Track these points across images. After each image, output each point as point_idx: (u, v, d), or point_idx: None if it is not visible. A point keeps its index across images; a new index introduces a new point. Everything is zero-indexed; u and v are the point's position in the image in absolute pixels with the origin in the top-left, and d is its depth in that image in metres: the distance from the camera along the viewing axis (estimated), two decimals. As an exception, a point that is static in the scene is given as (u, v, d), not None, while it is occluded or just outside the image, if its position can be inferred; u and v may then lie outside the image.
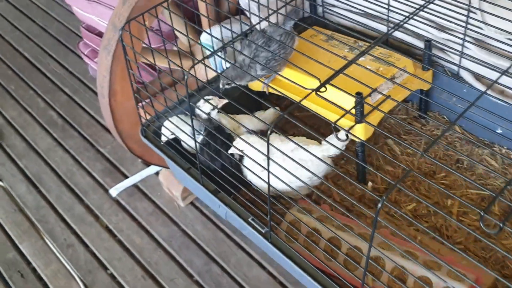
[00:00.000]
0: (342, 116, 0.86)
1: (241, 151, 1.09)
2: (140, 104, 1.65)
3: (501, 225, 0.66)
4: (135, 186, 2.04)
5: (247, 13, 1.44)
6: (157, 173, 2.05)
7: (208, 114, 1.18)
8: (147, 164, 1.93)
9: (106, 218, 1.93)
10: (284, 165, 0.88)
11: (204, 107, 1.19)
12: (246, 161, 1.11)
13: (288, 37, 1.20)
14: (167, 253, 1.81)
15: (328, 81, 0.87)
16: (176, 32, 1.60)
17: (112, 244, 1.85)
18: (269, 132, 0.83)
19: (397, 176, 1.27)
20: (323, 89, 0.86)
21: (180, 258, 1.79)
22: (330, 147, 1.06)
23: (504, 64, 1.11)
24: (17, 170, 2.13)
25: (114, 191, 2.01)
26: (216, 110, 1.19)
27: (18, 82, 2.55)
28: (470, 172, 1.26)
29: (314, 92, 0.86)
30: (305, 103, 0.90)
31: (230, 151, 1.11)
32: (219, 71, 1.39)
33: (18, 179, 2.10)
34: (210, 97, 1.21)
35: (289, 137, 0.96)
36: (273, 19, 1.34)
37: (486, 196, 1.23)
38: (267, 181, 0.90)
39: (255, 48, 1.16)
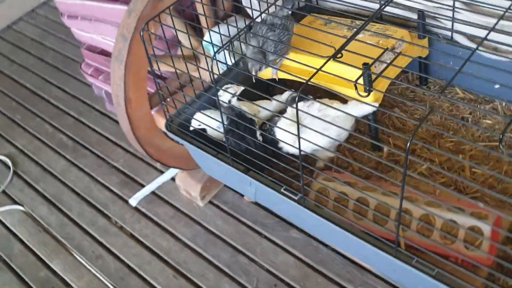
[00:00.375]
0: (358, 78, 0.94)
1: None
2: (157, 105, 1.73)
3: (500, 137, 0.74)
4: (153, 193, 2.11)
5: (248, 10, 1.53)
6: (172, 179, 2.12)
7: (229, 102, 1.26)
8: (165, 166, 2.00)
9: (130, 226, 2.00)
10: (313, 125, 0.97)
11: (223, 96, 1.27)
12: (278, 133, 1.18)
13: (287, 22, 1.29)
14: (194, 252, 1.88)
15: (343, 47, 0.96)
16: (180, 37, 1.69)
17: (140, 250, 1.91)
18: (297, 97, 0.91)
19: (405, 140, 1.36)
20: (339, 55, 0.95)
21: (207, 254, 1.86)
22: (354, 106, 1.15)
23: (493, 22, 1.20)
24: (35, 193, 2.19)
25: (133, 201, 2.08)
26: (236, 98, 1.27)
27: (23, 112, 2.62)
28: (476, 127, 1.35)
29: (324, 69, 0.94)
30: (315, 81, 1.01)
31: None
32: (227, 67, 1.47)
33: (38, 202, 2.15)
34: (228, 85, 1.29)
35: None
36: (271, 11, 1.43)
37: (494, 147, 1.32)
38: (298, 147, 0.99)
39: (261, 37, 1.25)
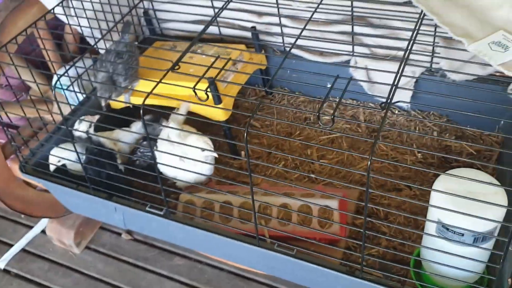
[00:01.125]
0: (195, 84, 1.00)
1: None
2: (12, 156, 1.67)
3: (332, 117, 0.86)
4: (24, 250, 1.99)
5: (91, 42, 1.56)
6: (43, 231, 2.03)
7: (87, 132, 1.27)
8: (31, 217, 1.91)
9: (1, 292, 1.86)
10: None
11: (81, 127, 1.28)
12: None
13: (132, 48, 1.35)
14: (77, 300, 1.81)
15: (179, 59, 1.04)
16: (28, 82, 1.66)
17: (16, 312, 1.79)
18: (141, 110, 0.96)
19: (264, 145, 1.47)
20: (176, 67, 1.03)
21: (91, 300, 1.80)
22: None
23: (312, 28, 1.38)
24: None
25: (1, 263, 1.94)
26: (93, 127, 1.29)
27: None
28: (317, 124, 1.51)
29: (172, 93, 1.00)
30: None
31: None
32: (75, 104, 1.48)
33: None
34: (83, 117, 1.31)
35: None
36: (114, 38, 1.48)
37: (335, 138, 1.48)
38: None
39: (111, 65, 1.29)
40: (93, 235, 2.01)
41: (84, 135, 1.28)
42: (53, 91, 1.04)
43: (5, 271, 1.92)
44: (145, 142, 1.31)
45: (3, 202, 1.64)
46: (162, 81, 1.01)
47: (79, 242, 1.95)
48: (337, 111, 1.36)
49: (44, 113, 1.67)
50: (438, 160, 1.37)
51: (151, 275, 1.86)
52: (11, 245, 2.00)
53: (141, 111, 0.96)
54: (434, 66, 1.36)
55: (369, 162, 0.81)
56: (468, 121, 1.42)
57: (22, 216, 2.02)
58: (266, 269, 1.21)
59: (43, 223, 2.05)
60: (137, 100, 1.40)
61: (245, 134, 0.88)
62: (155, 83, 1.00)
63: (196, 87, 0.97)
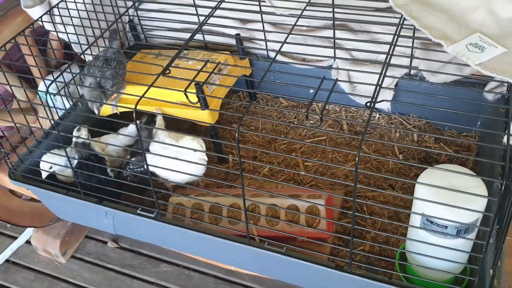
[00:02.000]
0: (186, 88, 1.03)
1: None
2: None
3: (320, 116, 0.90)
4: (8, 261, 1.97)
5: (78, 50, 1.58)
6: (27, 242, 2.02)
7: (88, 138, 1.30)
8: (16, 226, 1.90)
9: (-15, 303, 1.85)
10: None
11: (82, 133, 1.30)
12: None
13: (120, 56, 1.37)
14: (63, 310, 1.80)
15: (169, 64, 1.06)
16: (14, 91, 1.67)
17: (1, 323, 1.78)
18: (134, 113, 0.98)
19: (248, 150, 1.50)
20: (167, 71, 1.05)
21: (78, 308, 1.80)
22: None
23: (297, 35, 1.42)
24: None
25: (-14, 275, 1.92)
26: (86, 134, 1.31)
27: None
28: (301, 128, 1.54)
29: (162, 97, 1.03)
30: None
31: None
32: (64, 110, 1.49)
33: None
34: (78, 127, 1.33)
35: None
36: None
37: (320, 141, 1.52)
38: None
39: (99, 71, 1.31)
40: (78, 244, 2.00)
41: (80, 141, 1.30)
42: (46, 97, 1.05)
43: (-11, 282, 1.91)
44: (133, 159, 1.33)
45: (-12, 212, 1.63)
46: (154, 85, 1.03)
47: (65, 251, 1.95)
48: (314, 115, 1.40)
49: (31, 120, 1.67)
50: (419, 161, 1.42)
51: (138, 283, 1.87)
52: (-5, 256, 1.99)
53: (134, 114, 0.98)
54: (413, 69, 1.41)
55: (357, 158, 0.84)
56: (446, 123, 1.48)
57: (8, 225, 2.01)
58: (257, 269, 1.23)
59: (27, 233, 2.04)
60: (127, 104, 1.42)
61: (237, 134, 0.91)
62: (143, 88, 1.02)
63: (186, 91, 1.00)
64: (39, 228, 1.90)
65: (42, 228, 1.91)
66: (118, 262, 1.93)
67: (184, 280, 1.85)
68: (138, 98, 1.00)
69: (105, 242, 2.01)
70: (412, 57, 1.32)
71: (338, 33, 1.43)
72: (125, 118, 1.35)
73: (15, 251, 2.00)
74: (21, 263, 1.97)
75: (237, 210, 1.24)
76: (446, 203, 0.87)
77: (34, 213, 1.81)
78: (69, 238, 1.95)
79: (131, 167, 1.34)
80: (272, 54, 1.57)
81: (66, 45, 1.67)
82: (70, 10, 1.42)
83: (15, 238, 2.04)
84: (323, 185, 1.38)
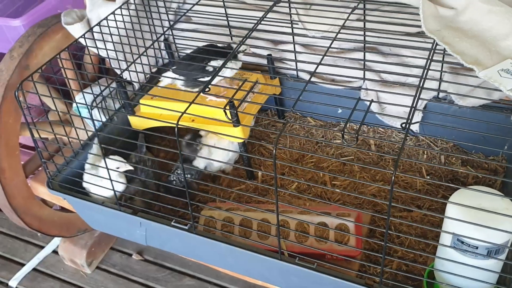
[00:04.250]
0: (225, 105, 1.08)
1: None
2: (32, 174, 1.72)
3: (356, 136, 0.94)
4: (35, 270, 2.02)
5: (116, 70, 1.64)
6: (54, 251, 2.06)
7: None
8: (46, 235, 1.95)
9: (13, 310, 1.88)
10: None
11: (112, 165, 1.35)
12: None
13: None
14: (88, 319, 1.83)
15: (209, 82, 1.11)
16: (49, 103, 1.73)
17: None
18: (176, 128, 1.03)
19: (277, 166, 1.54)
20: (207, 89, 1.10)
21: (102, 319, 1.82)
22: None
23: (327, 57, 1.45)
24: None
25: (14, 282, 1.97)
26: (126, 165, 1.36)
27: None
28: (329, 147, 1.58)
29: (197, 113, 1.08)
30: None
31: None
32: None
33: None
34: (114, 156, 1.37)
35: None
36: (139, 67, 1.56)
37: (346, 161, 1.55)
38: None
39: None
40: (104, 256, 2.04)
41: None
42: (89, 109, 1.10)
43: (17, 290, 1.95)
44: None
45: (21, 220, 1.68)
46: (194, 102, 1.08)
47: (91, 262, 1.99)
48: (349, 135, 1.43)
49: (68, 131, 1.73)
50: (446, 183, 1.44)
51: (161, 295, 1.90)
52: (23, 265, 2.03)
53: (176, 130, 1.02)
54: (441, 93, 1.44)
55: (393, 177, 0.87)
56: (473, 147, 1.50)
57: (39, 234, 2.06)
58: (285, 284, 1.25)
59: (54, 243, 2.08)
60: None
61: (274, 150, 0.95)
62: (183, 104, 1.06)
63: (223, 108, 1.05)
64: (67, 238, 1.95)
65: (70, 238, 1.95)
66: (142, 275, 1.96)
67: (206, 294, 1.88)
68: (180, 114, 1.04)
69: (130, 254, 2.05)
70: (441, 80, 1.35)
71: (368, 56, 1.47)
72: (164, 133, 1.40)
73: (42, 260, 2.04)
74: (47, 272, 2.01)
75: (268, 224, 1.27)
76: (477, 223, 0.90)
77: (63, 223, 1.85)
78: (95, 249, 1.99)
79: (179, 171, 1.44)
80: (301, 74, 1.61)
81: (102, 60, 1.73)
82: (110, 28, 1.48)
83: (42, 247, 2.09)
84: (351, 205, 1.41)
